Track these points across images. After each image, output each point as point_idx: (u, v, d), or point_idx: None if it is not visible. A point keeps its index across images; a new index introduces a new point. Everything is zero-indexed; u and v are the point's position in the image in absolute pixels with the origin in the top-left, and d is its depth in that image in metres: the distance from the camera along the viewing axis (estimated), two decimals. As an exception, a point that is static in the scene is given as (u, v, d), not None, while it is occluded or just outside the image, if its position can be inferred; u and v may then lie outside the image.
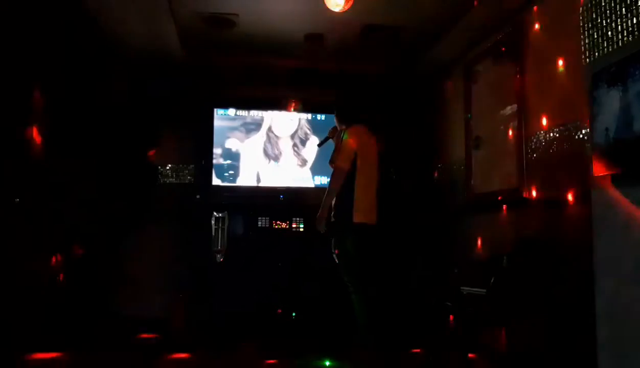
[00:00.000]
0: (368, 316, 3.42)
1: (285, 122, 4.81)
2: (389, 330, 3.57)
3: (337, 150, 3.56)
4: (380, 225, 3.60)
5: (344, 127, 3.68)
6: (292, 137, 4.81)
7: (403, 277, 4.32)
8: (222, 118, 4.68)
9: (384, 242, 3.80)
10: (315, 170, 4.77)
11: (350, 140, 3.50)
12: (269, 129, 4.76)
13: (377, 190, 3.63)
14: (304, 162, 4.79)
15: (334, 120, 4.82)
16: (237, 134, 4.69)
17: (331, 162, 3.56)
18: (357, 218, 3.47)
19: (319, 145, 4.07)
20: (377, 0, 3.39)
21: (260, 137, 4.74)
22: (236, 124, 4.70)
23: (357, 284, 3.47)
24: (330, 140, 3.81)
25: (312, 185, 4.75)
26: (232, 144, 4.67)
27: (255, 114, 4.74)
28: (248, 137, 4.71)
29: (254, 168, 4.70)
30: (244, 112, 4.72)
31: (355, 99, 4.05)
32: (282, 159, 4.75)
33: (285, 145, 4.78)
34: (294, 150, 4.80)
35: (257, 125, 4.74)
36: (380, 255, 3.73)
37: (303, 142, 4.82)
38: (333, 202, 3.49)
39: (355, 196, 3.49)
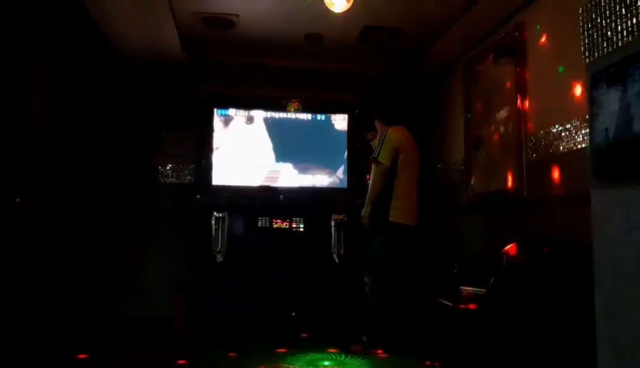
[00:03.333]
0: (382, 316, 3.42)
1: (285, 121, 4.81)
2: (399, 331, 3.58)
3: (378, 145, 3.55)
4: (418, 227, 3.60)
5: (385, 128, 3.67)
6: (293, 136, 4.81)
7: (411, 278, 4.32)
8: (222, 118, 4.68)
9: (418, 244, 3.79)
10: (315, 170, 4.77)
11: (392, 136, 3.51)
12: (269, 129, 4.76)
13: (416, 189, 3.63)
14: (304, 162, 4.79)
15: (332, 121, 4.85)
16: (237, 133, 4.69)
17: (372, 157, 3.55)
18: (393, 217, 3.47)
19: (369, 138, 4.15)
20: (377, 0, 3.39)
21: (260, 136, 4.74)
22: (236, 123, 4.70)
23: (376, 283, 3.46)
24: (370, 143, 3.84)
25: (313, 185, 4.75)
26: (232, 144, 4.67)
27: (255, 114, 4.74)
28: (248, 137, 4.71)
29: (254, 168, 4.69)
30: (244, 112, 4.72)
31: (397, 101, 4.06)
32: (282, 159, 4.75)
33: (286, 145, 4.78)
34: (295, 150, 4.80)
35: (257, 125, 4.74)
36: (412, 256, 3.71)
37: (304, 142, 4.82)
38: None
39: (394, 194, 3.49)
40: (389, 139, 3.52)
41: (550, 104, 2.99)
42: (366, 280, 3.49)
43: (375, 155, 3.51)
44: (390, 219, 3.47)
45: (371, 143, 3.82)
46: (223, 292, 4.26)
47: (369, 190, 3.54)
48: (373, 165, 3.54)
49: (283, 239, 4.52)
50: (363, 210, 3.51)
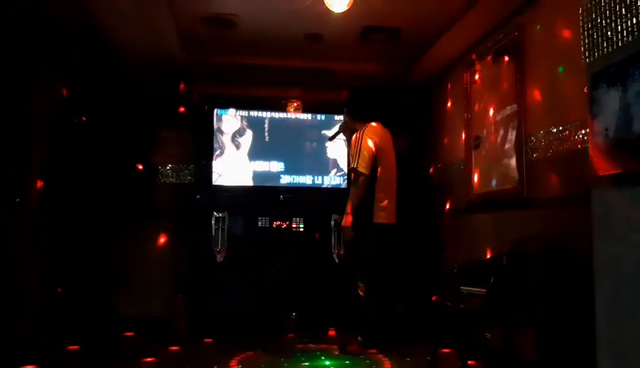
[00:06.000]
0: (375, 316, 3.43)
1: (285, 121, 4.81)
2: (394, 329, 3.60)
3: (355, 154, 3.53)
4: (399, 223, 3.62)
5: (357, 125, 3.67)
6: (293, 136, 4.81)
7: (402, 276, 4.32)
8: (222, 118, 4.68)
9: (402, 240, 3.81)
10: (315, 170, 4.78)
11: (369, 142, 3.50)
12: (269, 129, 4.76)
13: (396, 186, 3.64)
14: (304, 162, 4.79)
15: (334, 120, 4.85)
16: (237, 133, 4.69)
17: (351, 168, 3.55)
18: (377, 219, 3.49)
19: (330, 140, 4.23)
20: (377, 1, 3.39)
21: (260, 136, 4.74)
22: (236, 124, 4.71)
23: (368, 284, 3.47)
24: (342, 135, 3.85)
25: (312, 185, 4.75)
26: (231, 143, 4.67)
27: (255, 114, 4.74)
28: (248, 137, 4.71)
29: (253, 168, 4.70)
30: (244, 112, 4.72)
31: (368, 96, 4.05)
32: (282, 159, 4.75)
33: (285, 145, 4.78)
34: (295, 150, 4.80)
35: (257, 125, 4.74)
36: (397, 253, 3.73)
37: (304, 142, 4.82)
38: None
39: (375, 198, 3.50)
40: (366, 145, 3.49)
41: (550, 104, 2.99)
42: (358, 282, 3.51)
43: (355, 166, 3.50)
44: (375, 221, 3.48)
45: (343, 133, 3.83)
46: (223, 292, 4.27)
47: (349, 198, 3.53)
48: (352, 174, 3.55)
49: (283, 239, 4.52)
50: (343, 220, 3.50)
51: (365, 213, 3.49)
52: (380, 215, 3.50)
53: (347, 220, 3.48)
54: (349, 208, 3.49)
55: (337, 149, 4.79)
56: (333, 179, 4.80)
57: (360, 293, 3.49)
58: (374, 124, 3.64)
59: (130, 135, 4.53)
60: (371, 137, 3.52)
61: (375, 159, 3.50)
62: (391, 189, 3.60)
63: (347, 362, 3.26)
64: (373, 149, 3.49)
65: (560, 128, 2.85)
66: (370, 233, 3.49)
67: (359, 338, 3.42)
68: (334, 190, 4.78)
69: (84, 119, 4.11)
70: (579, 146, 2.68)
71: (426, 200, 4.69)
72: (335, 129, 4.06)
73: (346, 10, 3.18)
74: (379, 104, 4.08)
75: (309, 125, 4.83)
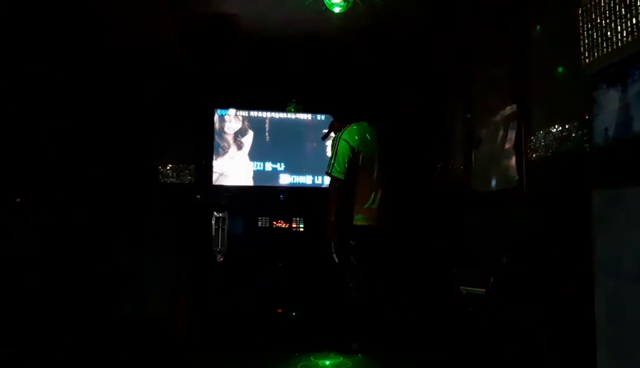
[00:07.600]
0: (367, 315, 3.45)
1: (285, 122, 4.81)
2: (392, 329, 3.60)
3: (331, 158, 3.55)
4: (387, 223, 3.60)
5: (340, 126, 3.68)
6: (293, 136, 4.81)
7: (402, 277, 4.32)
8: (223, 118, 4.68)
9: (389, 241, 3.80)
10: (315, 170, 4.77)
11: (344, 146, 3.48)
12: (269, 129, 4.76)
13: (383, 185, 3.61)
14: (304, 162, 4.79)
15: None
16: (238, 134, 4.69)
17: (326, 173, 3.56)
18: (358, 221, 3.48)
19: (322, 139, 4.26)
20: (377, 0, 3.39)
21: (260, 137, 4.74)
22: (236, 124, 4.71)
23: (359, 286, 3.49)
24: (333, 134, 3.86)
25: (312, 185, 4.75)
26: (232, 143, 4.67)
27: (255, 114, 4.75)
28: (248, 138, 4.71)
29: (254, 168, 4.70)
30: (244, 112, 4.72)
31: (351, 96, 4.05)
32: (282, 159, 4.75)
33: (286, 145, 4.78)
34: (295, 150, 4.80)
35: (257, 125, 4.74)
36: (385, 254, 3.73)
37: (304, 142, 4.82)
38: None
39: (355, 200, 3.49)
40: (341, 149, 3.48)
41: (550, 104, 2.99)
42: (351, 285, 3.52)
43: (329, 171, 3.49)
44: (354, 223, 3.47)
45: (333, 132, 3.83)
46: (223, 292, 4.27)
47: (327, 204, 3.52)
48: (329, 179, 3.55)
49: (283, 239, 4.52)
50: (326, 227, 3.50)
51: (345, 217, 3.48)
52: (360, 217, 3.49)
53: (329, 226, 3.48)
54: (328, 213, 3.48)
55: (337, 149, 4.79)
56: (333, 179, 4.80)
57: (353, 296, 3.50)
58: (354, 124, 3.62)
59: (130, 135, 4.53)
60: (347, 139, 3.51)
61: (353, 161, 3.48)
62: (373, 190, 3.58)
63: (346, 362, 3.26)
64: (349, 152, 3.47)
65: (560, 128, 2.86)
66: (350, 237, 3.49)
67: (359, 341, 3.43)
68: (334, 190, 4.78)
69: (85, 119, 4.11)
70: (579, 146, 2.68)
71: (426, 200, 4.69)
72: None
73: (346, 10, 3.18)
74: (364, 104, 4.07)
75: (309, 125, 4.83)
